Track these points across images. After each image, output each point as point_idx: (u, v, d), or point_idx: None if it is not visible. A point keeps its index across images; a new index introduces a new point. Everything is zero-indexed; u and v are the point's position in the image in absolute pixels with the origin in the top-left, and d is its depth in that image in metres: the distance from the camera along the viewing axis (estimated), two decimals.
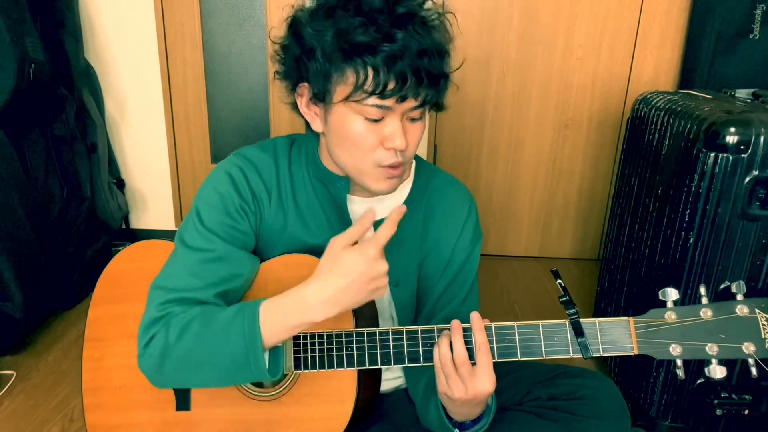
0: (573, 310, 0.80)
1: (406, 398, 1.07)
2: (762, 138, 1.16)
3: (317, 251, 0.96)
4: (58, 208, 2.00)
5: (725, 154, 1.18)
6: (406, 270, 1.00)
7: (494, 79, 2.39)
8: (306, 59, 0.85)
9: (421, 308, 1.03)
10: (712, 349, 0.77)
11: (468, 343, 0.82)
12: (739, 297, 0.78)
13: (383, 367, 1.04)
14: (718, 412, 1.30)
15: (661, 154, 1.39)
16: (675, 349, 0.78)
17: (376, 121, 0.85)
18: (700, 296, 0.79)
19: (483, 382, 0.80)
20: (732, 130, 1.17)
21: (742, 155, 1.17)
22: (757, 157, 1.17)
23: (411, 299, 1.02)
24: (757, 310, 0.77)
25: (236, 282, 0.91)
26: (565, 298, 0.81)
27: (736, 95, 1.48)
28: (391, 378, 1.09)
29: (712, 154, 1.19)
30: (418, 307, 1.04)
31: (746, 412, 1.31)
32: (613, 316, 1.65)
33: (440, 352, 0.82)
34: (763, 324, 0.76)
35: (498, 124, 2.44)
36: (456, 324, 0.83)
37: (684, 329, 0.78)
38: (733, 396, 1.31)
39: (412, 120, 0.87)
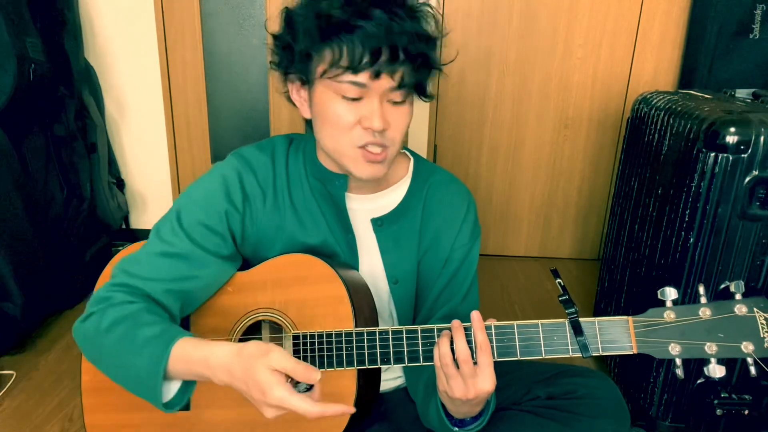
0: (572, 310, 0.80)
1: (406, 398, 1.07)
2: (762, 138, 1.16)
3: (315, 251, 0.96)
4: (58, 208, 2.00)
5: (725, 154, 1.18)
6: (405, 268, 1.01)
7: (494, 79, 2.39)
8: (293, 44, 0.87)
9: (421, 306, 1.03)
10: (711, 348, 0.77)
11: (468, 343, 0.82)
12: (738, 296, 0.78)
13: (383, 367, 1.04)
14: (718, 412, 1.30)
15: (661, 154, 1.39)
16: (674, 349, 0.78)
17: (354, 99, 0.85)
18: (699, 295, 0.79)
19: (484, 382, 0.80)
20: (732, 130, 1.17)
21: (742, 155, 1.17)
22: (757, 157, 1.17)
23: (410, 297, 1.03)
24: (755, 310, 0.76)
25: (194, 283, 0.91)
26: (564, 297, 0.81)
27: (736, 95, 1.48)
28: (392, 378, 1.09)
29: (712, 154, 1.19)
30: (417, 306, 1.04)
31: (746, 412, 1.31)
32: (613, 316, 1.65)
33: (441, 351, 0.82)
34: (761, 323, 0.76)
35: (498, 123, 2.44)
36: (457, 323, 0.83)
37: (683, 328, 0.78)
38: (733, 396, 1.31)
39: (394, 103, 0.88)
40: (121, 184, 2.51)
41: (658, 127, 1.41)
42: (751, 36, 2.04)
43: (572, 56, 2.33)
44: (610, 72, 2.34)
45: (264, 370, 0.74)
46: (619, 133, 2.41)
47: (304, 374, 0.74)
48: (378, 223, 1.00)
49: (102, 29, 2.38)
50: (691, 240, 1.25)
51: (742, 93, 1.49)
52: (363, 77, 0.83)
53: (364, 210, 0.99)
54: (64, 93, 2.05)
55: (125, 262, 0.91)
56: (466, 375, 0.80)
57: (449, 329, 0.84)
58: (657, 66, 2.32)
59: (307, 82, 0.89)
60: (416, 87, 0.89)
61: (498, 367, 0.83)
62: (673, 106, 1.37)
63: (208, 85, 2.49)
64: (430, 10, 0.88)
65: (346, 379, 0.90)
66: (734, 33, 2.05)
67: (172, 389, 0.83)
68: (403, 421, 1.04)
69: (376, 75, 0.83)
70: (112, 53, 2.42)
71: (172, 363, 0.80)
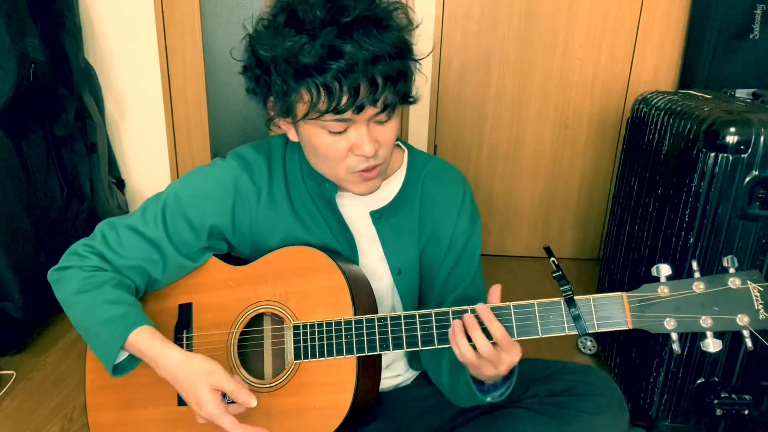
0: (567, 286, 0.81)
1: (406, 396, 1.08)
2: (762, 138, 1.16)
3: (315, 248, 0.97)
4: (58, 208, 2.00)
5: (725, 154, 1.18)
6: (407, 258, 1.02)
7: (494, 79, 2.39)
8: (266, 78, 0.86)
9: (429, 294, 1.04)
10: (706, 321, 0.77)
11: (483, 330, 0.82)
12: (732, 270, 0.77)
13: (384, 365, 1.05)
14: (718, 412, 1.30)
15: (661, 154, 1.39)
16: (669, 323, 0.78)
17: (340, 132, 0.86)
18: (693, 271, 0.79)
19: (513, 357, 0.82)
20: (732, 130, 1.17)
21: (742, 155, 1.17)
22: (757, 157, 1.17)
23: (414, 288, 1.04)
24: (749, 282, 0.76)
25: (157, 268, 0.96)
26: (557, 274, 0.82)
27: (736, 95, 1.48)
28: (391, 377, 1.09)
29: (712, 154, 1.19)
30: (424, 294, 1.05)
31: (746, 412, 1.31)
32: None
33: (461, 351, 0.82)
34: (755, 296, 0.76)
35: (498, 123, 2.44)
36: (470, 319, 0.82)
37: (677, 302, 0.78)
38: (733, 396, 1.31)
39: (380, 123, 0.87)
40: (121, 184, 2.51)
41: (658, 127, 1.41)
42: (751, 36, 2.04)
43: (572, 56, 2.33)
44: (610, 72, 2.34)
45: (204, 388, 0.84)
46: (619, 133, 2.41)
47: (243, 399, 0.84)
48: (377, 216, 1.01)
49: (102, 29, 2.38)
50: (691, 240, 1.25)
51: (742, 93, 1.49)
52: (346, 114, 0.83)
53: (362, 204, 1.00)
54: (64, 93, 2.05)
55: (107, 226, 0.98)
56: (494, 360, 0.82)
57: (447, 314, 0.85)
58: (657, 66, 2.32)
59: (287, 116, 0.88)
60: (401, 99, 0.87)
61: None
62: (673, 106, 1.37)
63: (208, 85, 2.49)
64: (396, 6, 0.85)
65: (346, 367, 0.91)
66: (734, 33, 2.05)
67: (123, 354, 0.93)
68: (403, 419, 1.04)
69: (360, 110, 0.82)
70: (112, 53, 2.42)
71: (127, 346, 0.90)
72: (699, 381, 1.33)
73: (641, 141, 1.51)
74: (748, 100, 1.42)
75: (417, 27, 0.88)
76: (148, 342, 0.89)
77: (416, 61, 0.88)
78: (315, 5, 0.80)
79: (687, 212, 1.26)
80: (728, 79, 2.08)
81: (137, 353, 0.91)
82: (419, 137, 2.47)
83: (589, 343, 1.85)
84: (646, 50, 2.30)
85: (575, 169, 2.48)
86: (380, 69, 0.80)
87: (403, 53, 0.84)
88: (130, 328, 0.89)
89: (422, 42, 0.89)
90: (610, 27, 2.28)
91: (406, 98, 0.88)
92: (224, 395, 0.86)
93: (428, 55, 0.89)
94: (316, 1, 0.80)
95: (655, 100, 1.47)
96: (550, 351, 1.86)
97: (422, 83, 2.37)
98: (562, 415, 0.92)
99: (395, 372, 1.09)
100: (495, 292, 0.84)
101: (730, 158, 1.18)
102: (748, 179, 1.19)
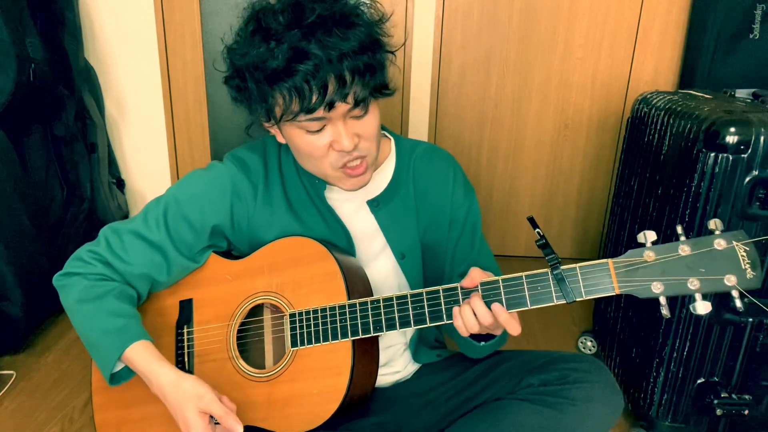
0: (552, 255, 0.82)
1: (405, 391, 1.09)
2: (762, 138, 1.16)
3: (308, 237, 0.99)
4: (58, 208, 2.00)
5: (725, 154, 1.18)
6: (408, 242, 1.04)
7: (494, 79, 2.39)
8: (245, 86, 0.88)
9: (440, 273, 1.07)
10: (693, 283, 0.77)
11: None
12: (717, 232, 0.77)
13: (382, 363, 1.06)
14: (718, 412, 1.30)
15: (661, 154, 1.39)
16: (656, 287, 0.78)
17: (318, 131, 0.88)
18: (678, 235, 0.79)
19: (513, 331, 0.85)
20: (732, 130, 1.17)
21: (742, 155, 1.17)
22: (757, 157, 1.17)
23: (418, 270, 1.06)
24: (734, 242, 0.76)
25: (162, 271, 0.98)
26: (541, 242, 0.83)
27: (736, 95, 1.48)
28: (391, 373, 1.10)
29: (712, 154, 1.19)
30: (435, 274, 1.07)
31: (746, 412, 1.31)
32: (614, 316, 1.66)
33: (466, 322, 0.86)
34: (742, 255, 0.75)
35: (498, 124, 2.44)
36: (475, 297, 0.86)
37: (664, 266, 0.78)
38: (733, 396, 1.31)
39: (357, 117, 0.89)
40: (121, 184, 2.51)
41: (658, 127, 1.41)
42: (751, 36, 2.04)
43: (572, 56, 2.33)
44: (610, 72, 2.34)
45: (193, 410, 0.86)
46: (619, 133, 2.41)
47: (230, 425, 0.85)
48: (374, 204, 1.03)
49: (102, 29, 2.38)
50: None
51: (742, 93, 1.48)
52: (318, 112, 0.84)
53: (358, 194, 1.02)
54: (64, 93, 2.05)
55: (110, 231, 1.00)
56: (497, 327, 0.86)
57: (438, 292, 0.87)
58: (657, 66, 2.32)
59: (270, 119, 0.91)
60: (374, 92, 0.88)
61: (492, 358, 0.88)
62: (673, 106, 1.37)
63: (208, 85, 2.49)
64: (361, 2, 0.87)
65: (342, 351, 0.92)
66: (734, 33, 2.05)
67: (120, 364, 0.95)
68: (402, 414, 1.05)
69: (330, 107, 0.84)
70: (112, 53, 2.42)
71: (123, 359, 0.93)
72: (699, 381, 1.33)
73: (641, 141, 1.51)
74: (748, 100, 1.42)
75: (388, 20, 0.89)
76: (142, 358, 0.92)
77: (391, 53, 0.90)
78: (278, 11, 0.83)
79: (687, 212, 1.26)
80: (728, 79, 2.07)
81: (132, 367, 0.93)
82: (419, 137, 2.47)
83: (589, 343, 1.85)
84: (646, 50, 2.30)
85: (575, 169, 2.48)
86: (347, 65, 0.82)
87: (369, 47, 0.85)
88: (127, 342, 0.92)
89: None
90: (610, 27, 2.28)
91: (379, 90, 0.89)
92: (212, 416, 0.88)
93: (401, 47, 0.92)
94: (280, 6, 0.83)
95: (655, 100, 1.47)
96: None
97: (423, 80, 2.37)
98: (555, 404, 0.92)
99: (394, 368, 1.10)
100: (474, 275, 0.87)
101: (730, 158, 1.18)
102: (748, 179, 1.19)
